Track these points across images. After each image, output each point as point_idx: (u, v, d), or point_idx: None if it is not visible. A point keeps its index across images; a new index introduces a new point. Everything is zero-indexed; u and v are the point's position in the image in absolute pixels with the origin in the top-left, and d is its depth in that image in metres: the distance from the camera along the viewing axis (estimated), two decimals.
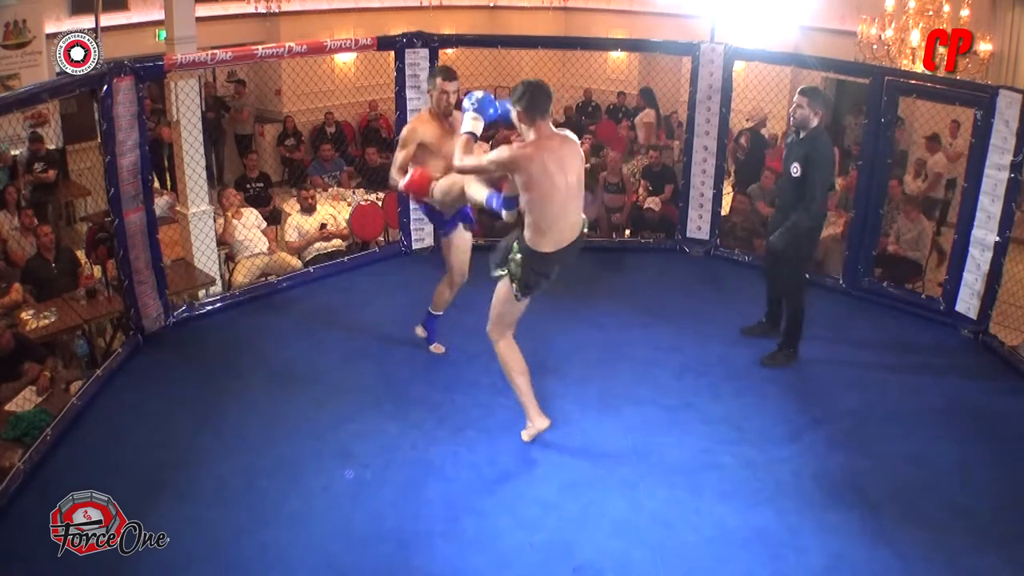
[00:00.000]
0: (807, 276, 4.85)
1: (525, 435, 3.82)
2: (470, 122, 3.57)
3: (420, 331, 4.62)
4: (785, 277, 4.61)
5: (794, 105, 4.37)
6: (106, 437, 3.91)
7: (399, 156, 4.08)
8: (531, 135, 3.35)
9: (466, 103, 3.60)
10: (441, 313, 4.52)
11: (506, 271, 3.54)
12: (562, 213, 3.37)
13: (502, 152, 3.34)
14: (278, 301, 5.40)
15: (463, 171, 3.60)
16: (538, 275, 3.49)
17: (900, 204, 6.34)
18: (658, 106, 9.80)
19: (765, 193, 6.60)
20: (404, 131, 4.15)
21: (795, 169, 4.36)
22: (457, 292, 4.44)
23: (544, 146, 3.31)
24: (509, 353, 3.69)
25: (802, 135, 4.39)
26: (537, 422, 3.76)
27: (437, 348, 4.62)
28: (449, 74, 4.07)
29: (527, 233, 3.41)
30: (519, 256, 3.46)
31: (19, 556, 3.09)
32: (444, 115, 4.08)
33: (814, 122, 4.34)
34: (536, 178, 3.28)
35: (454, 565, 3.14)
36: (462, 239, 4.28)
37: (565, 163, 3.34)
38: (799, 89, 4.41)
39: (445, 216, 4.16)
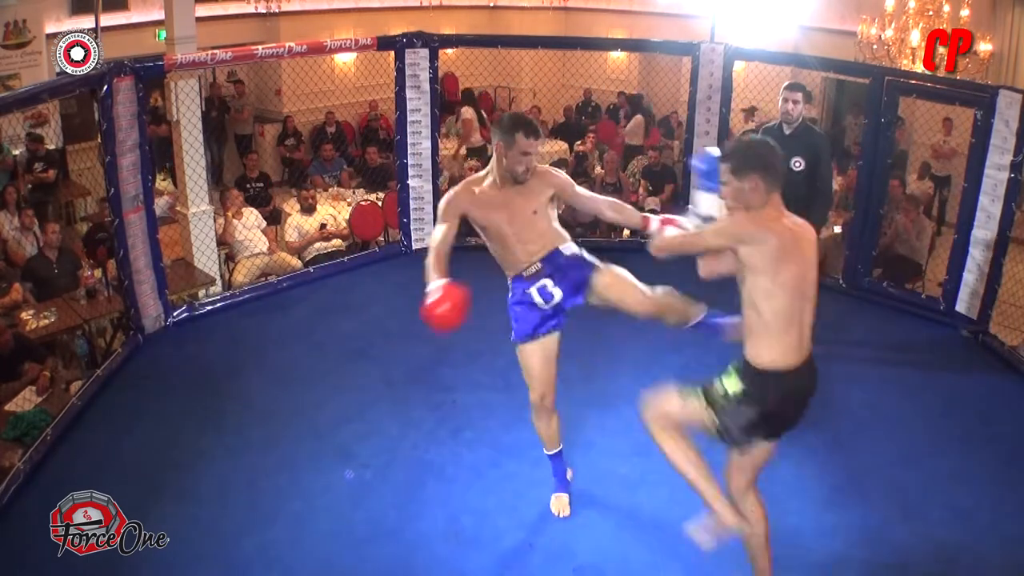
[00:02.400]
0: None
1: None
2: (706, 202, 2.75)
3: (558, 505, 3.45)
4: None
5: (789, 103, 4.42)
6: (106, 437, 3.92)
7: (436, 233, 3.02)
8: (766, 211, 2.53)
9: (697, 175, 2.79)
10: (560, 447, 3.43)
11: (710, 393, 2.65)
12: (799, 317, 2.51)
13: (728, 221, 2.58)
14: (278, 301, 5.41)
15: (681, 250, 2.73)
16: (755, 416, 2.55)
17: (900, 203, 6.33)
18: (477, 104, 9.68)
19: None
20: (443, 201, 3.10)
21: (798, 163, 4.36)
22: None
23: (782, 224, 2.53)
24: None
25: (788, 131, 4.45)
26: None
27: (562, 503, 3.46)
28: (532, 129, 2.97)
29: (748, 344, 2.56)
30: (731, 375, 2.58)
31: (19, 556, 3.09)
32: (516, 182, 3.06)
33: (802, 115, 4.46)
34: (774, 255, 2.45)
35: (454, 565, 3.14)
36: (552, 340, 3.19)
37: (805, 253, 2.53)
38: (787, 86, 4.47)
39: (546, 309, 3.15)
